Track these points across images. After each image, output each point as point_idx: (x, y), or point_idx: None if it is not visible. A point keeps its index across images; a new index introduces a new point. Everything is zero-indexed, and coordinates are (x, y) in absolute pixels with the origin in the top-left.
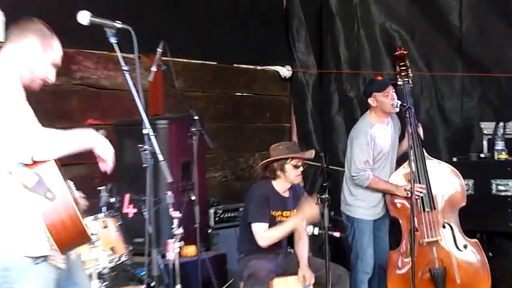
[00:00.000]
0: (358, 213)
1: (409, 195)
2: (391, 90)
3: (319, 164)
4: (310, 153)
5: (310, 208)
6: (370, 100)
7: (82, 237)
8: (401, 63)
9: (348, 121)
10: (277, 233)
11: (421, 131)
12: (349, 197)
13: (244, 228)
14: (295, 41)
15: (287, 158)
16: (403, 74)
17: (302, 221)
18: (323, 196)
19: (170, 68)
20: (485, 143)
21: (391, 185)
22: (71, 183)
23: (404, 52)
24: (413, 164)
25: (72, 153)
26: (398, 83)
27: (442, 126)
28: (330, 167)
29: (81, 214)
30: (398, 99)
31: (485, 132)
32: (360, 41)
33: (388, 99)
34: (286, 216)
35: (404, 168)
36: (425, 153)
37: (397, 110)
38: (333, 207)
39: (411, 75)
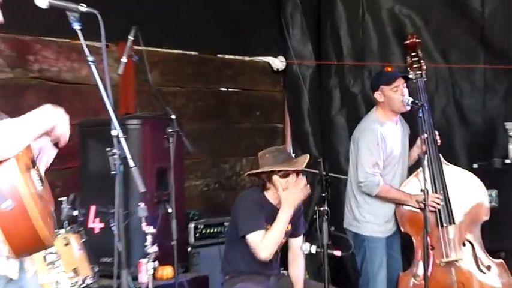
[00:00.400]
0: (368, 229)
1: (422, 206)
2: (401, 85)
3: (316, 172)
4: (302, 162)
5: (295, 189)
6: (376, 94)
7: (39, 241)
8: (413, 54)
9: (351, 121)
10: (274, 235)
11: (436, 134)
12: (356, 211)
13: (231, 245)
14: (289, 27)
15: (273, 170)
16: (415, 66)
17: (291, 209)
18: (321, 209)
19: (143, 59)
20: (511, 146)
21: (403, 194)
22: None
23: (417, 40)
24: (427, 171)
25: (34, 140)
26: (410, 76)
27: (461, 128)
28: (329, 174)
29: (48, 215)
30: (409, 96)
31: (511, 134)
32: (365, 28)
33: (398, 94)
34: None
35: (420, 175)
36: (442, 159)
37: (408, 108)
38: (334, 221)
39: (425, 67)
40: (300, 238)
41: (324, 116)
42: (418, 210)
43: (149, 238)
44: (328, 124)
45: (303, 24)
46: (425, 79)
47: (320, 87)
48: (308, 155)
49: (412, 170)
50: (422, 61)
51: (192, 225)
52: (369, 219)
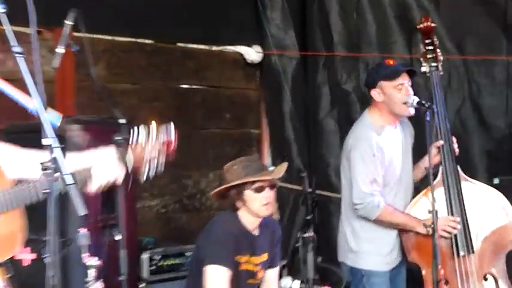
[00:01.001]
0: (368, 262)
1: (430, 232)
2: (406, 82)
3: (300, 188)
4: (279, 172)
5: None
6: (374, 92)
7: None
8: (427, 41)
9: (344, 125)
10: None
11: (454, 141)
12: (352, 239)
13: (194, 278)
14: (266, 9)
15: (244, 183)
16: (429, 56)
17: None
18: (306, 235)
19: (85, 48)
20: None
21: (410, 219)
22: None
23: (432, 25)
24: (442, 188)
25: None
26: (423, 69)
27: (479, 133)
28: (317, 192)
29: None
30: (415, 95)
31: None
32: (360, 11)
33: (402, 93)
34: (255, 264)
35: (428, 192)
36: (460, 173)
37: (412, 112)
38: (322, 250)
39: (441, 58)
40: (277, 270)
41: (311, 119)
42: (429, 238)
43: (92, 272)
44: (315, 129)
45: (284, 5)
46: (441, 72)
47: (305, 83)
48: (286, 163)
49: (420, 188)
50: (438, 50)
51: (145, 256)
52: (369, 250)
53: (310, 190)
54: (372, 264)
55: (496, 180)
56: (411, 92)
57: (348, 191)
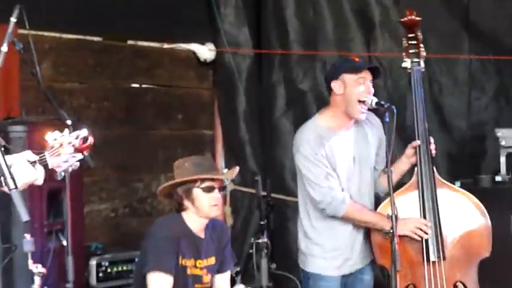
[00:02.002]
0: (315, 265)
1: (387, 237)
2: (368, 80)
3: (253, 191)
4: (231, 173)
5: None
6: (334, 84)
7: None
8: (410, 35)
9: (300, 126)
10: None
11: (431, 141)
12: (302, 241)
13: (139, 284)
14: (220, 5)
15: (194, 180)
16: (411, 51)
17: None
18: (260, 240)
19: (30, 46)
20: (503, 159)
21: (381, 217)
22: None
23: (417, 18)
24: (414, 191)
25: None
26: (404, 64)
27: (440, 135)
28: (272, 195)
29: None
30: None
31: (503, 143)
32: (317, 7)
33: (362, 89)
34: (201, 268)
35: (405, 192)
36: (436, 175)
37: (363, 117)
38: (278, 256)
39: (424, 54)
40: (228, 275)
41: (266, 119)
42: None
43: (37, 280)
44: (270, 130)
45: (237, 2)
46: (422, 69)
47: (260, 83)
48: (238, 167)
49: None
50: (421, 45)
51: (93, 262)
52: (316, 252)
53: (264, 193)
54: (317, 266)
55: (458, 183)
56: (372, 90)
57: (302, 190)
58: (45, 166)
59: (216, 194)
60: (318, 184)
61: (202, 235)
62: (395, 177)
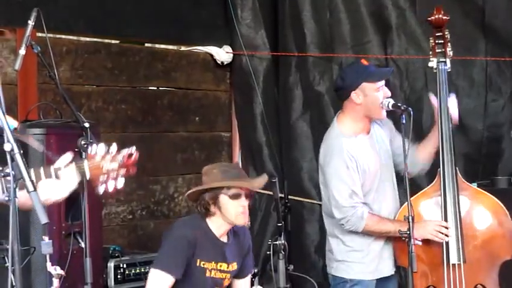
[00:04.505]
0: (353, 271)
1: (404, 239)
2: (384, 84)
3: (271, 193)
4: (260, 182)
5: None
6: (354, 95)
7: None
8: (438, 34)
9: (317, 129)
10: None
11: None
12: (339, 250)
13: None
14: (237, 8)
15: (222, 188)
16: (438, 50)
17: None
18: (277, 242)
19: (48, 49)
20: None
21: (399, 224)
22: None
23: (444, 18)
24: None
25: None
26: (430, 64)
27: (457, 136)
28: (289, 197)
29: None
30: (391, 97)
31: None
32: (334, 10)
33: (381, 96)
34: (223, 271)
35: (428, 194)
36: (459, 176)
37: (384, 115)
38: (295, 258)
39: (451, 54)
40: (248, 280)
41: (282, 121)
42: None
43: (55, 282)
44: (287, 132)
45: (255, 4)
46: (449, 69)
47: (277, 85)
48: (266, 176)
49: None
50: (448, 44)
51: (111, 264)
52: (351, 259)
53: (281, 195)
54: (357, 272)
55: (474, 185)
56: (389, 94)
57: (327, 203)
58: (83, 174)
59: (243, 201)
60: (341, 201)
61: (225, 239)
62: (433, 148)
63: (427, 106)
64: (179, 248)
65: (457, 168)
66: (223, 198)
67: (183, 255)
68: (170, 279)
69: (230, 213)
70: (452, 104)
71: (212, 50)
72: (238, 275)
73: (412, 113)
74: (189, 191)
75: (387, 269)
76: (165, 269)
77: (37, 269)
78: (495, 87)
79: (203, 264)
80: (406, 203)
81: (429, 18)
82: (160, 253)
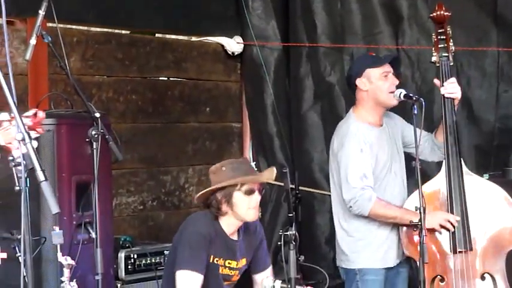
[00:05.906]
0: (360, 260)
1: (415, 229)
2: (391, 73)
3: (281, 184)
4: (269, 175)
5: None
6: (359, 81)
7: None
8: (440, 30)
9: (328, 119)
10: None
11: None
12: (344, 242)
13: (169, 281)
14: None
15: (235, 185)
16: (441, 45)
17: None
18: (288, 233)
19: (59, 39)
20: None
21: (406, 211)
22: None
23: (446, 14)
24: (442, 183)
25: None
26: (433, 58)
27: (468, 128)
28: (300, 188)
29: None
30: (402, 88)
31: None
32: (345, 1)
33: (388, 82)
34: (231, 268)
35: (430, 185)
36: (464, 168)
37: (396, 103)
38: (305, 249)
39: (453, 49)
40: (269, 271)
41: (293, 112)
42: (429, 232)
43: (66, 272)
44: (298, 123)
45: None
46: (451, 63)
47: (288, 75)
48: (275, 169)
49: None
50: (450, 40)
51: (122, 255)
52: (360, 248)
53: (292, 186)
54: (364, 261)
55: (486, 176)
56: (396, 82)
57: (336, 193)
58: None
59: (257, 197)
60: (351, 182)
61: (235, 237)
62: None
63: (438, 96)
64: (200, 245)
65: (461, 159)
66: (237, 195)
67: (204, 252)
68: (200, 278)
69: (242, 210)
70: (454, 86)
71: (223, 40)
72: (255, 269)
73: (424, 103)
74: (200, 193)
75: (393, 259)
76: (193, 268)
77: (48, 259)
78: (507, 78)
79: (216, 261)
80: (413, 192)
81: (431, 15)
82: (182, 254)
